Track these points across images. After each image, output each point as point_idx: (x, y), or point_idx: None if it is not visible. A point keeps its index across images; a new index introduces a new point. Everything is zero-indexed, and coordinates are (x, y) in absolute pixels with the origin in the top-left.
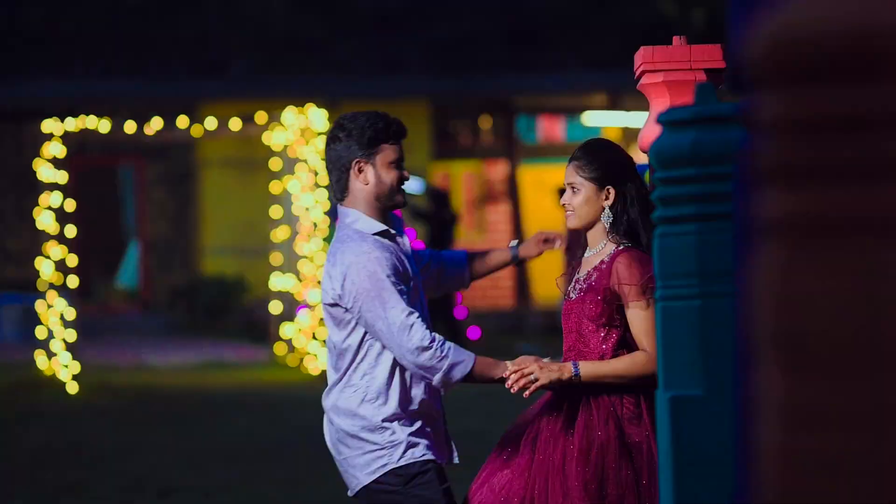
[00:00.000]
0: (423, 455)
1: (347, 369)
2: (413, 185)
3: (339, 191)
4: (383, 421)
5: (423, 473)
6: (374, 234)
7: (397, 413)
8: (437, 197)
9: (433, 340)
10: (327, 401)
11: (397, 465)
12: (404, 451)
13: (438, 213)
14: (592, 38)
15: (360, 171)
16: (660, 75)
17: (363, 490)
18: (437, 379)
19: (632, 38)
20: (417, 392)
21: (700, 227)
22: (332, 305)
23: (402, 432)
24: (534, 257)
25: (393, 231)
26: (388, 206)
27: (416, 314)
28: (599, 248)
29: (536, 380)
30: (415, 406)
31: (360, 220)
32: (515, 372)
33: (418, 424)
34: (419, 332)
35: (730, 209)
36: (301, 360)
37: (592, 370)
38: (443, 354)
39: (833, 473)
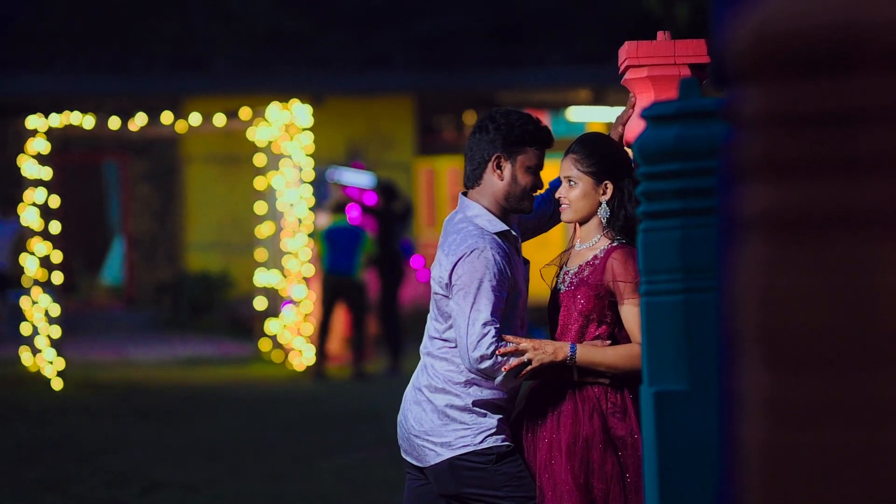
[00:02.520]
0: (505, 441)
1: (443, 348)
2: (362, 180)
3: (471, 180)
4: (473, 404)
5: (510, 454)
6: (495, 233)
7: (487, 400)
8: (385, 191)
9: (497, 349)
10: (418, 377)
11: (478, 448)
12: (488, 436)
13: (387, 208)
14: (576, 34)
15: (498, 166)
16: (644, 70)
17: (444, 464)
18: (497, 381)
19: (616, 33)
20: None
21: (684, 221)
22: (439, 296)
23: (491, 417)
24: (626, 122)
25: (515, 233)
26: (513, 209)
27: (495, 327)
28: (593, 242)
29: (529, 362)
30: (502, 401)
31: (483, 216)
32: (509, 350)
33: (502, 416)
34: (487, 342)
35: (714, 204)
36: (286, 356)
37: (588, 356)
38: (503, 362)
39: (817, 469)
